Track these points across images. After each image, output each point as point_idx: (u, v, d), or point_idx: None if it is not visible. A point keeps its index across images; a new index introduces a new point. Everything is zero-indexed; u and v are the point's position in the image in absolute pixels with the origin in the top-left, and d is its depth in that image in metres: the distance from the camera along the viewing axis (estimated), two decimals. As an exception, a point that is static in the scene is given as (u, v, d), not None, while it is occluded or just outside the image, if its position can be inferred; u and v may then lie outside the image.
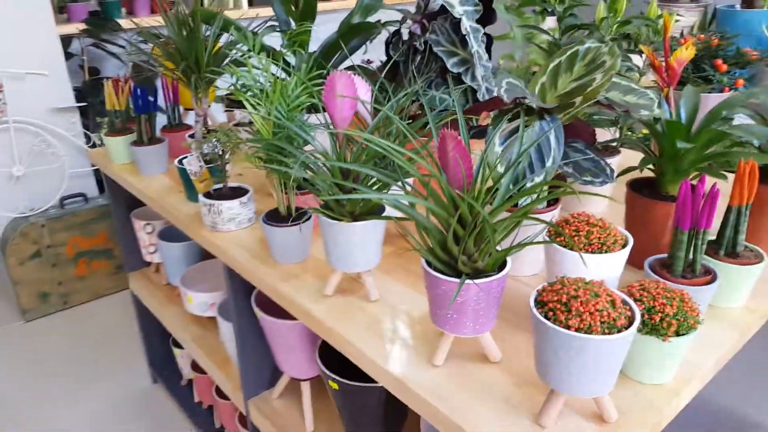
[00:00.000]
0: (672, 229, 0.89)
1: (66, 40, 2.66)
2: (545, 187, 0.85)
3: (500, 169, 0.80)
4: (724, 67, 1.16)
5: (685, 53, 0.89)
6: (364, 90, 1.01)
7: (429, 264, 0.70)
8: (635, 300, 0.68)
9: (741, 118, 0.99)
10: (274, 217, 1.00)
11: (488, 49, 1.15)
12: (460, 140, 0.62)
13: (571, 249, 0.74)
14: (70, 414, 1.88)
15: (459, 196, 0.64)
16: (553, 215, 0.90)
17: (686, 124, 0.92)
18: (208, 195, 1.13)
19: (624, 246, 0.75)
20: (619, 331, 0.58)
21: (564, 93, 0.83)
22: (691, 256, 0.79)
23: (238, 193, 1.14)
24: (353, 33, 1.29)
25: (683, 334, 0.66)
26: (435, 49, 1.09)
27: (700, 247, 0.77)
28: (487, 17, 1.15)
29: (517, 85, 0.80)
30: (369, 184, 0.85)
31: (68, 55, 2.66)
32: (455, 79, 1.12)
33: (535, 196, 0.78)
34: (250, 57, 0.95)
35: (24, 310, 2.33)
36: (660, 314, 0.66)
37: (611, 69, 0.82)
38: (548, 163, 0.80)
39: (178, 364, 1.86)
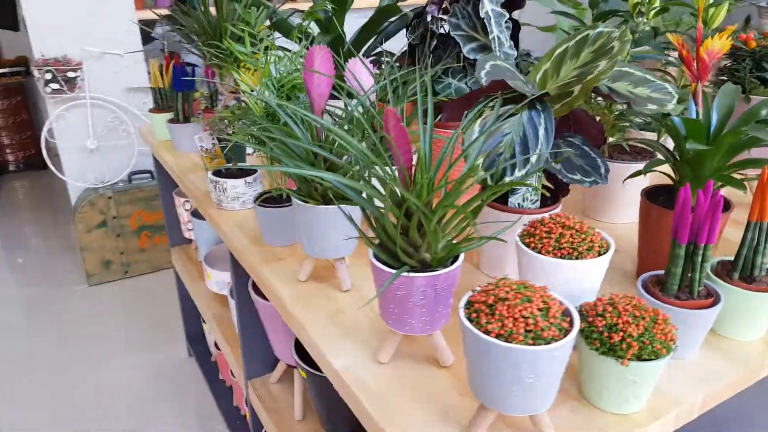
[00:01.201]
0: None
1: (151, 24, 2.82)
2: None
3: (478, 159, 0.73)
4: None
5: (717, 44, 0.78)
6: (365, 75, 0.97)
7: (376, 254, 0.65)
8: (597, 315, 0.59)
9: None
10: (267, 199, 0.98)
11: (514, 37, 1.07)
12: (398, 120, 0.57)
13: (539, 252, 0.66)
14: (112, 376, 1.98)
15: (387, 180, 0.59)
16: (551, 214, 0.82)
17: (715, 125, 0.81)
18: (217, 173, 1.14)
19: (602, 254, 0.66)
20: (547, 343, 0.50)
21: (565, 81, 0.75)
22: (690, 274, 0.68)
23: (247, 173, 1.14)
24: (382, 17, 1.25)
25: (648, 359, 0.57)
26: (453, 33, 1.03)
27: (700, 264, 0.67)
28: (514, 2, 1.07)
29: (503, 69, 0.73)
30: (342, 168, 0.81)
31: (151, 39, 2.81)
32: (473, 66, 1.06)
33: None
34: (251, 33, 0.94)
35: (89, 274, 2.49)
36: (621, 333, 0.57)
37: (617, 55, 0.72)
38: (533, 158, 0.72)
39: (206, 340, 1.90)
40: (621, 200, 1.01)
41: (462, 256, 0.64)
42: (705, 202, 0.64)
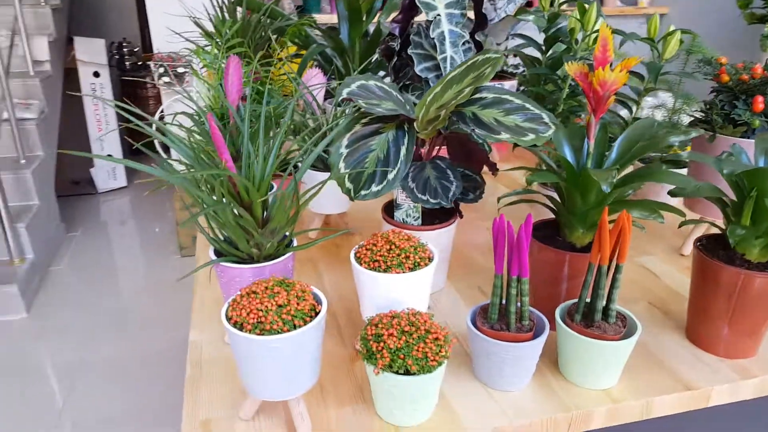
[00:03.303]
0: (567, 278, 0.78)
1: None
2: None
3: (342, 168, 0.78)
4: (761, 107, 0.90)
5: (611, 76, 0.74)
6: (317, 82, 1.06)
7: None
8: (373, 324, 0.62)
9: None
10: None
11: (479, 59, 1.08)
12: (213, 125, 0.65)
13: (360, 264, 0.70)
14: (166, 339, 2.24)
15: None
16: (440, 233, 0.84)
17: (612, 161, 0.77)
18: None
19: (414, 270, 0.68)
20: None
21: (439, 105, 0.77)
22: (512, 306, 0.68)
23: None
24: (380, 32, 1.31)
25: (398, 373, 0.59)
26: (411, 51, 1.06)
27: (514, 296, 0.66)
28: (477, 23, 1.08)
29: (371, 89, 0.77)
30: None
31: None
32: (428, 84, 1.09)
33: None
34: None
35: (181, 247, 2.82)
36: (382, 344, 0.60)
37: (481, 81, 0.73)
38: (390, 175, 0.75)
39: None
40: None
41: (289, 254, 0.70)
42: (511, 235, 0.64)
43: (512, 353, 0.66)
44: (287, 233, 0.74)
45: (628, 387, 0.70)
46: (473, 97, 0.79)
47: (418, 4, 1.01)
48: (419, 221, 0.84)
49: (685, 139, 0.69)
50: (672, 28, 0.84)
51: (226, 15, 1.28)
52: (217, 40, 1.05)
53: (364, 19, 1.41)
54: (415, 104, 0.83)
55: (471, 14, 0.97)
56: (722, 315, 0.74)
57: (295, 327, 0.56)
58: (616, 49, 1.17)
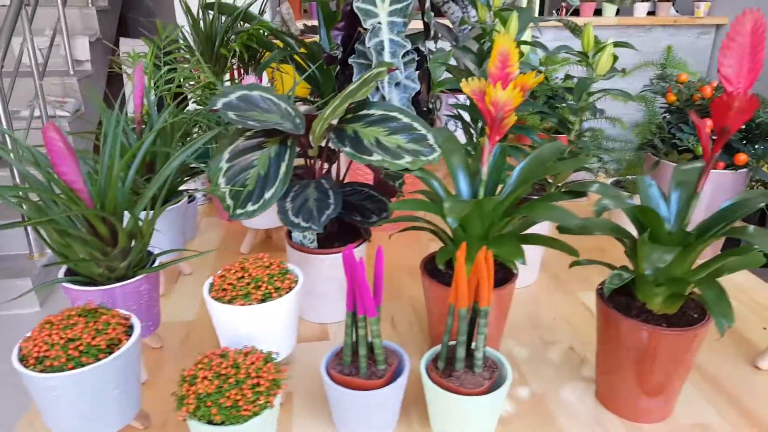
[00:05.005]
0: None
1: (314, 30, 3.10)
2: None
3: (222, 184, 0.73)
4: (708, 132, 0.77)
5: (504, 95, 0.66)
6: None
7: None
8: (198, 363, 0.57)
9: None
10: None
11: (421, 68, 1.01)
12: (52, 138, 0.62)
13: (210, 292, 0.65)
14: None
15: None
16: (338, 257, 0.78)
17: (508, 191, 0.69)
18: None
19: (264, 301, 0.62)
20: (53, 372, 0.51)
21: (330, 120, 0.71)
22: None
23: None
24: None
25: (200, 420, 0.53)
26: (352, 60, 1.01)
27: (363, 338, 0.59)
28: (424, 33, 1.01)
29: (253, 100, 0.72)
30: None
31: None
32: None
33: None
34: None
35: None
36: (193, 388, 0.55)
37: (365, 94, 0.67)
38: (267, 194, 0.70)
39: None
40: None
41: (140, 277, 0.66)
42: (353, 269, 0.57)
43: (359, 402, 0.59)
44: (150, 252, 0.71)
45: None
46: (360, 113, 0.73)
47: (356, 11, 0.95)
48: (315, 244, 0.78)
49: (570, 168, 0.60)
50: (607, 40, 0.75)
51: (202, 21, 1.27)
52: (154, 44, 1.02)
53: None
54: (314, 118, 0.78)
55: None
56: (626, 371, 0.64)
57: (82, 365, 0.52)
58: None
